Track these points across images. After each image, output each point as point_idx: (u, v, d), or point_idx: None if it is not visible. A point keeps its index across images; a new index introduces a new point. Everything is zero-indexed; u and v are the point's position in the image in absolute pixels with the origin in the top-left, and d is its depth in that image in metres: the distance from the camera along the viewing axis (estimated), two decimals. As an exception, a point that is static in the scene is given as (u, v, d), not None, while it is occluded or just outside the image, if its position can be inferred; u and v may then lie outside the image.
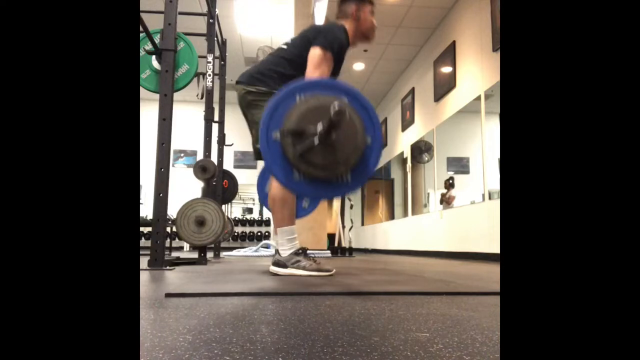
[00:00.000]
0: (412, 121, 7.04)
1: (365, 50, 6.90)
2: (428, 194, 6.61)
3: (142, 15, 2.51)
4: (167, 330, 0.75)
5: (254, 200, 10.52)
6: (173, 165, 8.04)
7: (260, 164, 3.33)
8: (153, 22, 2.88)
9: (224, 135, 4.62)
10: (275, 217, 1.96)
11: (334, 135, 1.29)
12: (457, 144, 5.87)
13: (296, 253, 1.90)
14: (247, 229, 9.51)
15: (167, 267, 2.34)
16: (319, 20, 4.97)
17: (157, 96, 2.52)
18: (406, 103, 7.39)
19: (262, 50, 5.05)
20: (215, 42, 4.03)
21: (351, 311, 0.97)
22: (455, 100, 5.45)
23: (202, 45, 3.72)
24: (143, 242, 7.77)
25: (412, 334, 0.74)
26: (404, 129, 7.47)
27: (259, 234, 9.42)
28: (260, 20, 6.20)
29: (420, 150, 6.77)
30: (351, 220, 8.63)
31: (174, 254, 4.12)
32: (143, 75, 3.34)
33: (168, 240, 4.90)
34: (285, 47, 2.08)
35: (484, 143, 4.68)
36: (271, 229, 9.02)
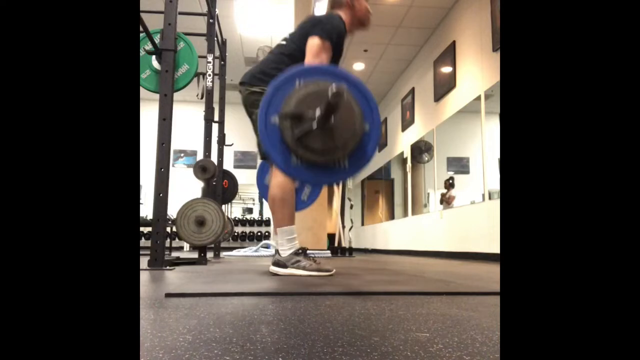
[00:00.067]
0: (412, 121, 7.04)
1: (366, 50, 6.90)
2: (428, 194, 6.61)
3: (142, 15, 2.51)
4: (167, 330, 0.75)
5: (254, 200, 10.52)
6: (173, 165, 8.05)
7: (261, 163, 3.34)
8: (153, 22, 2.88)
9: (224, 135, 4.62)
10: (275, 217, 1.96)
11: (332, 120, 1.30)
12: (457, 144, 5.87)
13: (296, 253, 1.90)
14: (247, 229, 9.51)
15: (167, 267, 2.34)
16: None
17: (157, 96, 2.52)
18: (406, 103, 7.39)
19: (262, 50, 5.05)
20: (215, 42, 4.03)
21: (351, 311, 0.97)
22: (455, 100, 5.45)
23: (202, 45, 3.73)
24: (143, 242, 7.77)
25: (412, 334, 0.74)
26: (404, 129, 7.47)
27: (259, 234, 9.42)
28: (260, 20, 6.20)
29: (420, 150, 6.78)
30: (351, 220, 8.64)
31: (174, 254, 4.13)
32: (143, 75, 3.34)
33: (168, 240, 4.90)
34: (284, 42, 2.08)
35: (484, 143, 4.68)
36: (271, 229, 9.02)
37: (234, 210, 10.11)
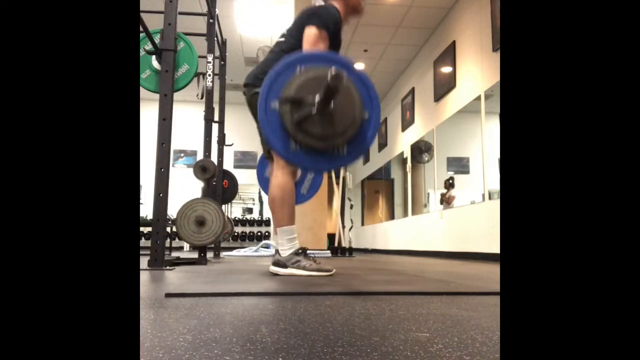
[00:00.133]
0: (412, 121, 7.04)
1: (366, 50, 6.90)
2: (428, 194, 6.61)
3: (142, 15, 2.51)
4: (167, 330, 0.75)
5: (254, 200, 10.52)
6: (173, 165, 8.05)
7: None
8: (153, 22, 2.88)
9: (224, 135, 4.62)
10: (275, 216, 1.96)
11: (332, 105, 1.31)
12: (457, 144, 5.87)
13: (296, 253, 1.90)
14: (247, 229, 9.51)
15: (167, 267, 2.34)
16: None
17: (157, 96, 2.52)
18: (406, 103, 7.40)
19: (262, 50, 5.05)
20: (215, 42, 4.03)
21: (351, 311, 0.97)
22: (455, 100, 5.46)
23: (202, 45, 3.73)
24: (143, 242, 7.77)
25: (412, 334, 0.74)
26: (404, 129, 7.47)
27: (259, 234, 9.42)
28: (260, 20, 6.20)
29: (420, 150, 6.78)
30: (351, 220, 8.63)
31: (174, 254, 4.13)
32: (143, 75, 3.34)
33: (168, 240, 4.90)
34: (283, 39, 2.08)
35: (484, 143, 4.68)
36: (271, 229, 9.02)
37: (234, 210, 10.11)
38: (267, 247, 5.48)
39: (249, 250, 5.38)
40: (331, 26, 1.94)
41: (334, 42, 1.98)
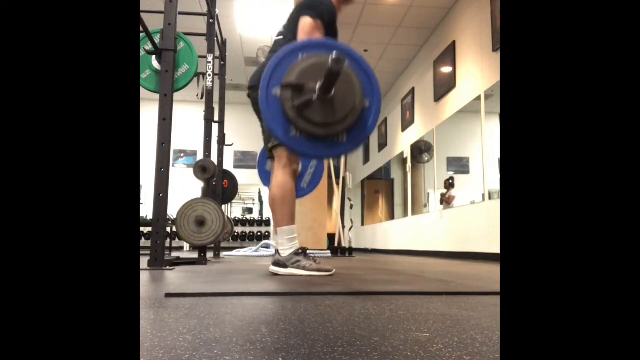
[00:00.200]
0: (412, 121, 7.04)
1: (366, 50, 6.90)
2: (428, 194, 6.61)
3: (142, 15, 2.51)
4: (167, 330, 0.75)
5: (254, 200, 10.52)
6: (173, 165, 8.04)
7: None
8: (153, 22, 2.88)
9: (224, 135, 4.62)
10: (275, 216, 1.96)
11: (333, 92, 1.31)
12: (457, 144, 5.87)
13: (296, 253, 1.90)
14: (247, 229, 9.51)
15: (167, 267, 2.34)
16: None
17: (157, 96, 2.52)
18: (406, 103, 7.39)
19: (262, 50, 5.05)
20: (215, 42, 4.03)
21: (351, 311, 0.97)
22: (455, 100, 5.45)
23: (202, 45, 3.73)
24: (143, 242, 7.77)
25: (412, 334, 0.74)
26: (404, 129, 7.47)
27: (259, 234, 9.42)
28: (260, 20, 6.20)
29: (420, 150, 6.78)
30: (351, 220, 8.64)
31: (174, 254, 4.13)
32: (143, 75, 3.34)
33: (168, 240, 4.90)
34: (281, 37, 2.07)
35: (484, 143, 4.68)
36: (271, 229, 9.03)
37: (234, 210, 10.11)
38: (267, 247, 5.48)
39: (249, 250, 5.38)
40: (326, 16, 1.93)
41: (330, 32, 1.96)
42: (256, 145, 8.60)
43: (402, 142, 7.52)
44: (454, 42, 5.53)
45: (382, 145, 8.58)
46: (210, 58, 3.68)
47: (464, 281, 1.79)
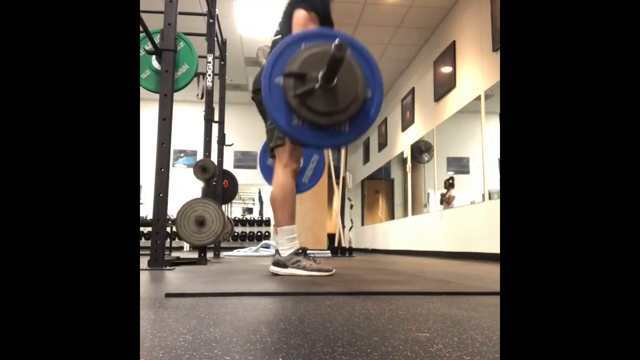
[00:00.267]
0: (412, 121, 7.04)
1: (365, 50, 6.89)
2: (428, 194, 6.61)
3: (142, 15, 2.51)
4: (167, 330, 0.75)
5: (254, 200, 10.52)
6: (173, 165, 8.05)
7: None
8: (153, 22, 2.88)
9: (224, 135, 4.62)
10: (276, 216, 1.97)
11: (335, 81, 1.31)
12: (457, 144, 5.87)
13: (296, 253, 1.90)
14: (247, 229, 9.51)
15: (167, 267, 2.34)
16: None
17: (157, 96, 2.52)
18: (406, 103, 7.39)
19: (262, 50, 5.05)
20: (215, 42, 4.03)
21: (351, 311, 0.97)
22: (455, 100, 5.45)
23: (202, 45, 3.73)
24: (143, 242, 7.77)
25: (412, 334, 0.74)
26: (404, 129, 7.47)
27: (259, 234, 9.42)
28: (260, 20, 6.20)
29: (420, 150, 6.78)
30: (351, 220, 8.64)
31: (174, 254, 4.13)
32: (143, 75, 3.34)
33: (168, 240, 4.90)
34: (279, 36, 2.06)
35: (484, 143, 4.68)
36: (271, 229, 9.03)
37: (234, 210, 10.11)
38: (267, 247, 5.49)
39: (249, 250, 5.38)
40: (319, 8, 1.91)
41: (325, 24, 1.95)
42: (256, 145, 8.60)
43: (402, 142, 7.52)
44: (454, 42, 5.52)
45: (382, 145, 8.58)
46: (210, 58, 3.68)
47: (464, 281, 1.79)
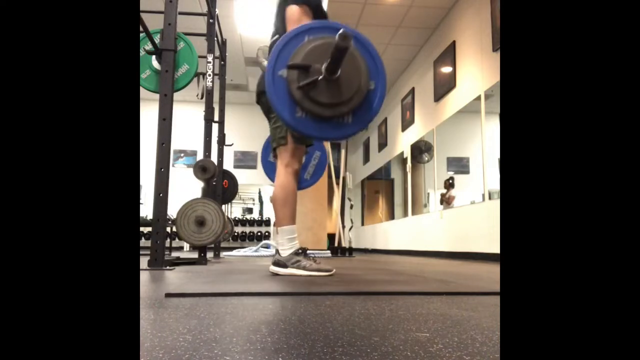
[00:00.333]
0: (412, 121, 7.04)
1: (365, 50, 6.89)
2: (428, 194, 6.61)
3: (142, 15, 2.51)
4: (167, 330, 0.75)
5: (254, 200, 10.53)
6: (173, 165, 8.04)
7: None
8: (153, 22, 2.88)
9: (224, 135, 4.62)
10: (276, 215, 1.97)
11: (338, 72, 1.31)
12: (457, 144, 5.87)
13: (296, 253, 1.90)
14: (247, 229, 9.51)
15: (167, 267, 2.34)
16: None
17: (157, 96, 2.52)
18: (406, 103, 7.39)
19: (262, 50, 5.04)
20: (215, 42, 4.03)
21: (351, 311, 0.97)
22: (455, 100, 5.45)
23: (202, 45, 3.73)
24: (143, 242, 7.77)
25: (412, 334, 0.74)
26: (404, 129, 7.47)
27: (259, 234, 9.42)
28: (260, 20, 6.20)
29: (420, 150, 6.77)
30: (351, 220, 8.64)
31: (174, 254, 4.12)
32: (143, 75, 3.34)
33: (168, 240, 4.90)
34: (277, 36, 2.05)
35: (484, 143, 4.68)
36: (271, 229, 9.03)
37: (234, 210, 10.11)
38: (267, 247, 5.48)
39: (249, 250, 5.38)
40: (312, 1, 1.90)
41: (319, 16, 1.93)
42: (256, 145, 8.60)
43: (402, 142, 7.52)
44: (454, 42, 5.52)
45: (382, 145, 8.58)
46: (210, 58, 3.68)
47: (464, 281, 1.79)
